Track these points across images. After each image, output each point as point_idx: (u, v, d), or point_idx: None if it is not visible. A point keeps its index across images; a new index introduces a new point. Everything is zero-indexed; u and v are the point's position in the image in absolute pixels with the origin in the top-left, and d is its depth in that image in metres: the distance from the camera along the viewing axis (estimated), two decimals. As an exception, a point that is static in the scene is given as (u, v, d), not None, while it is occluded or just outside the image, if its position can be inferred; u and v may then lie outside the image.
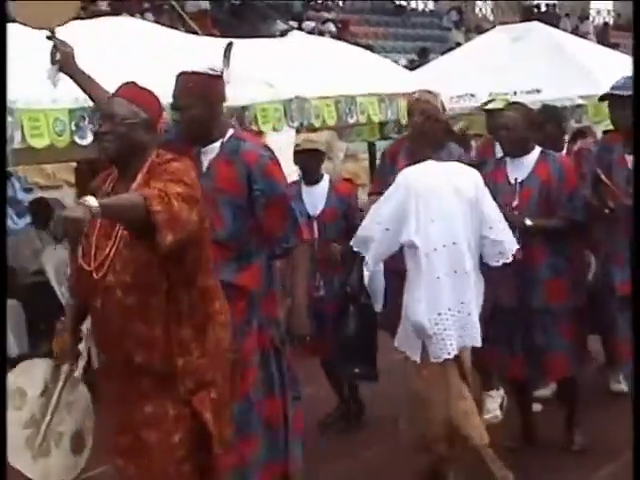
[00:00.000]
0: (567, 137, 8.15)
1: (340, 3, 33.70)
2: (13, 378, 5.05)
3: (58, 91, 8.05)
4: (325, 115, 10.66)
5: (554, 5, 40.65)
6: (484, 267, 6.72)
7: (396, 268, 7.00)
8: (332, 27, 26.92)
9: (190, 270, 4.51)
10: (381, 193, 7.42)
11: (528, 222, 6.75)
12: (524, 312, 6.88)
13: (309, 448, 6.58)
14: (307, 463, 6.35)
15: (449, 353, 6.22)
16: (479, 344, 6.44)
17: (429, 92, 7.84)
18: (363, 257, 7.46)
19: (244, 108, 9.70)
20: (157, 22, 14.95)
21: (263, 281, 5.65)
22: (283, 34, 19.88)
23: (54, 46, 5.68)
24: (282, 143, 10.70)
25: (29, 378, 5.02)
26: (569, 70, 11.82)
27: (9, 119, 7.93)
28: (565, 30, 18.34)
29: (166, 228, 4.09)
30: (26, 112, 8.04)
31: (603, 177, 6.75)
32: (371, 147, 13.57)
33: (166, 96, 8.92)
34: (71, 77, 5.78)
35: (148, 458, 4.57)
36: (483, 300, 6.70)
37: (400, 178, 6.58)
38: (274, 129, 10.07)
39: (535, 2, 40.62)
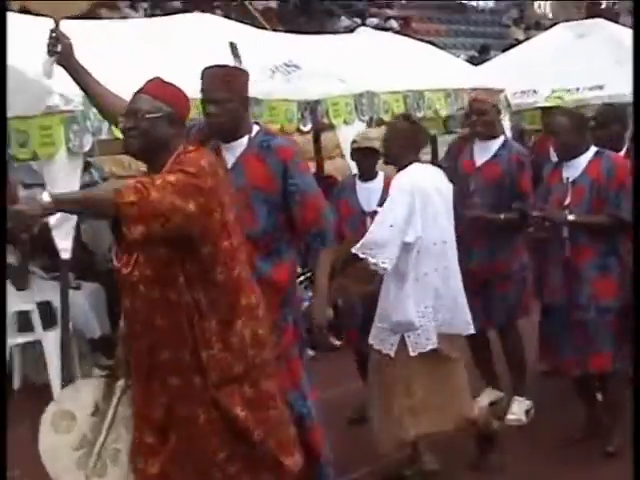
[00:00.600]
0: (629, 134, 8.08)
1: (402, 1, 33.88)
2: (59, 403, 5.08)
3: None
4: (394, 109, 10.62)
5: (614, 2, 40.43)
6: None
7: None
8: (394, 24, 27.01)
9: (207, 264, 4.46)
10: None
11: (570, 217, 6.79)
12: (572, 310, 6.90)
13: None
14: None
15: (433, 344, 6.35)
16: (471, 331, 6.72)
17: (488, 90, 8.05)
18: None
19: (317, 102, 9.83)
20: (227, 18, 15.08)
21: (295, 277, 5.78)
22: (348, 30, 20.01)
23: (55, 38, 5.51)
24: (353, 136, 10.99)
25: (77, 400, 4.99)
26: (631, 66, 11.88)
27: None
28: (625, 26, 18.22)
29: (135, 219, 4.06)
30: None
31: None
32: (434, 140, 13.67)
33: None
34: (68, 70, 5.65)
35: (190, 468, 4.62)
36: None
37: (403, 182, 6.59)
38: (345, 122, 10.14)
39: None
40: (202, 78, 5.52)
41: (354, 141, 8.23)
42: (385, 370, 6.50)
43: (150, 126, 4.45)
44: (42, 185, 13.89)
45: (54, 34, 5.48)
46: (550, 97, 10.72)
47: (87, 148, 8.05)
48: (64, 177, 7.87)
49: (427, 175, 6.68)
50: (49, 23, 5.55)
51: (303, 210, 5.56)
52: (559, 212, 6.87)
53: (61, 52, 5.49)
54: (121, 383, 4.89)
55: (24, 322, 9.43)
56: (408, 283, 6.39)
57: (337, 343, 8.52)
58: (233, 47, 5.80)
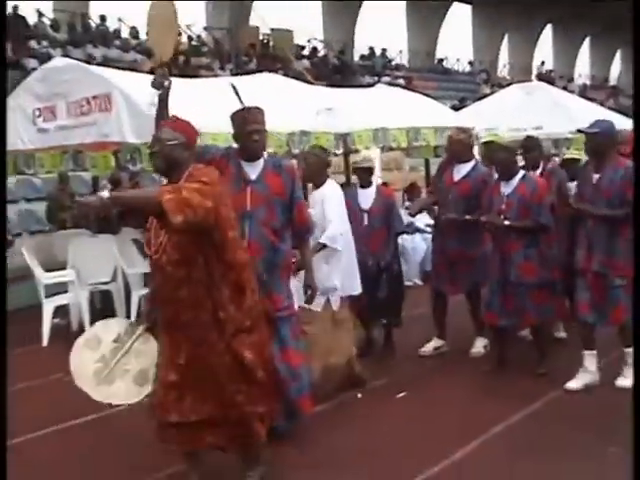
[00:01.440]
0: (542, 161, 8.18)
1: (407, 64, 33.89)
2: (92, 330, 5.11)
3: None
4: (400, 140, 10.65)
5: (551, 70, 40.32)
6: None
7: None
8: (401, 81, 26.98)
9: (219, 247, 4.45)
10: (433, 192, 8.20)
11: (506, 222, 6.96)
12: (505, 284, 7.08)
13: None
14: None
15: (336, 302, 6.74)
16: (359, 291, 7.16)
17: (462, 129, 8.15)
18: (396, 240, 8.15)
19: (347, 134, 9.81)
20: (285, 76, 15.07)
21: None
22: (369, 85, 20.01)
23: (162, 76, 5.52)
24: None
25: (106, 329, 4.99)
26: (561, 114, 11.87)
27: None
28: (558, 87, 18.35)
29: (175, 211, 4.04)
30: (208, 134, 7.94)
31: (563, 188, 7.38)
32: (427, 163, 13.71)
33: (300, 125, 9.23)
34: (160, 102, 5.55)
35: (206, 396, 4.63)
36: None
37: (334, 193, 6.90)
38: (366, 148, 10.14)
39: (538, 68, 40.33)
40: (247, 116, 5.51)
41: (355, 162, 8.36)
42: (311, 322, 6.48)
43: (170, 150, 4.49)
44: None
45: (162, 73, 5.54)
46: (488, 134, 10.75)
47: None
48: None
49: (337, 186, 7.08)
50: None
51: (299, 213, 5.68)
52: (499, 219, 7.00)
53: (165, 88, 5.49)
54: (142, 327, 4.94)
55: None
56: (334, 260, 6.63)
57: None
58: (234, 88, 5.73)
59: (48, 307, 9.32)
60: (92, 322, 9.00)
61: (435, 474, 5.19)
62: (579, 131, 6.86)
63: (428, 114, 11.46)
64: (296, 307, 5.92)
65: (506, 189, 7.11)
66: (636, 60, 6.70)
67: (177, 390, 4.62)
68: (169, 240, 4.47)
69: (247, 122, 5.49)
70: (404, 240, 11.68)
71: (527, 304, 7.03)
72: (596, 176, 6.51)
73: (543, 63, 41.16)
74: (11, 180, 13.07)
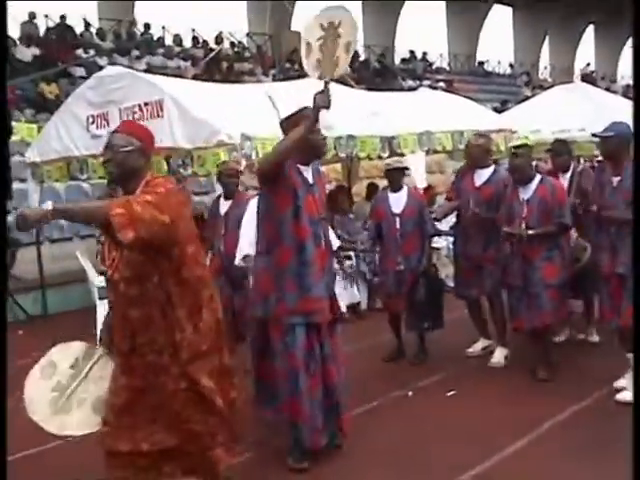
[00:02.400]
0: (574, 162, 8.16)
1: (447, 68, 33.88)
2: (50, 355, 4.68)
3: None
4: (444, 143, 10.72)
5: (593, 71, 40.00)
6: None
7: None
8: (442, 84, 27.01)
9: (176, 264, 4.10)
10: (451, 199, 8.05)
11: (530, 232, 6.90)
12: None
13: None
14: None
15: None
16: None
17: (481, 135, 8.14)
18: (429, 244, 8.00)
19: (393, 137, 9.92)
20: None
21: None
22: (412, 89, 20.10)
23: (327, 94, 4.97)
24: (416, 161, 11.14)
25: (63, 354, 4.65)
26: (605, 115, 11.74)
27: (247, 143, 8.18)
28: (601, 88, 18.20)
29: (125, 226, 3.72)
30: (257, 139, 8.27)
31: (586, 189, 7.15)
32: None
33: (347, 130, 9.31)
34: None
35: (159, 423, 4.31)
36: None
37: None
38: (412, 152, 10.24)
39: (581, 69, 40.06)
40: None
41: (388, 164, 8.15)
42: None
43: (124, 158, 4.12)
44: (207, 193, 14.32)
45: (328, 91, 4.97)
46: (518, 138, 10.62)
47: (242, 168, 8.00)
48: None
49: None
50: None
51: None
52: (522, 229, 6.92)
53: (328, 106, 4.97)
54: (100, 351, 4.63)
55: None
56: None
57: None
58: (271, 99, 5.65)
59: (101, 308, 9.42)
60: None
61: (488, 468, 5.31)
62: (594, 135, 6.74)
63: (471, 117, 11.50)
64: None
65: (525, 194, 7.05)
66: (636, 59, 6.58)
67: (129, 417, 4.31)
68: (122, 256, 4.15)
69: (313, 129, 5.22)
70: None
71: (545, 304, 6.97)
72: (616, 179, 6.37)
73: (589, 64, 40.80)
74: (61, 186, 13.36)
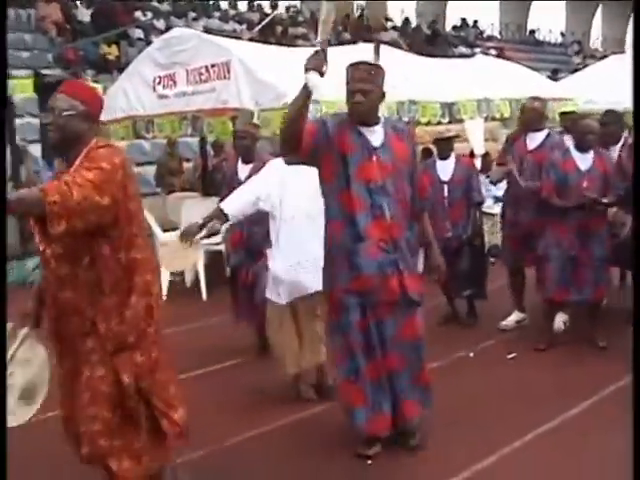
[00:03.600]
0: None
1: (498, 36, 33.55)
2: None
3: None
4: (502, 111, 10.65)
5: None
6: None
7: None
8: (493, 52, 26.73)
9: (112, 246, 3.69)
10: (501, 164, 7.73)
11: (604, 200, 6.57)
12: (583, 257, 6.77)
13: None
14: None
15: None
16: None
17: (536, 98, 7.72)
18: (476, 212, 7.86)
19: (453, 104, 9.91)
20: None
21: None
22: (467, 56, 20.00)
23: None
24: (475, 128, 11.09)
25: None
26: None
27: (313, 106, 8.22)
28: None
29: (58, 217, 3.37)
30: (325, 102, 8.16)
31: None
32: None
33: (408, 95, 9.27)
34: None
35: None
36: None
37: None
38: (470, 118, 10.23)
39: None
40: (353, 73, 4.65)
41: (439, 133, 8.16)
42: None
43: (65, 122, 3.71)
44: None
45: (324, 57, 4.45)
46: (567, 105, 10.49)
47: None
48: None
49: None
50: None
51: (420, 180, 5.10)
52: (596, 197, 6.59)
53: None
54: (24, 331, 4.01)
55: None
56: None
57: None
58: (377, 46, 5.33)
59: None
60: (207, 280, 9.54)
61: (551, 429, 5.34)
62: None
63: (528, 85, 11.31)
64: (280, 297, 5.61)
65: (583, 164, 6.78)
66: (636, 59, 6.49)
67: (61, 405, 3.96)
68: None
69: (352, 80, 4.67)
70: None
71: (601, 278, 6.82)
72: None
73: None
74: (122, 144, 13.49)
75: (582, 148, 6.82)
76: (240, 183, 6.35)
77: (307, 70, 4.26)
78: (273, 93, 8.24)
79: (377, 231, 4.68)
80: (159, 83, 9.66)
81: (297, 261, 5.58)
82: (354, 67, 4.68)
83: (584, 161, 6.78)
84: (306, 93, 4.30)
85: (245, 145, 6.86)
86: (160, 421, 3.90)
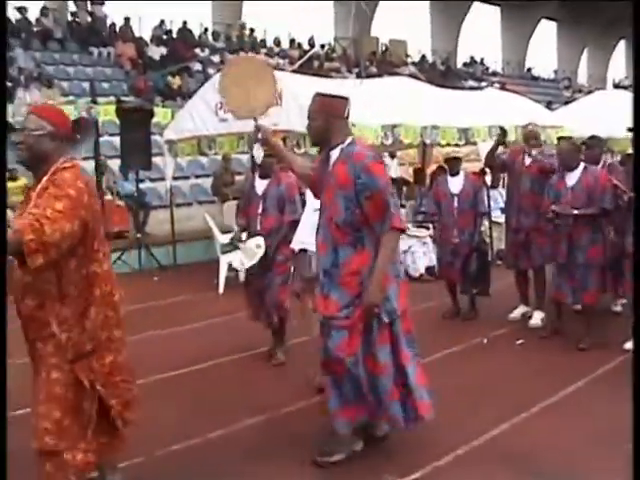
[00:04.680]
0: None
1: (501, 72, 33.47)
2: None
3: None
4: (510, 134, 10.58)
5: (626, 77, 39.07)
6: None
7: None
8: (497, 85, 26.60)
9: (78, 261, 3.45)
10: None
11: (575, 211, 6.53)
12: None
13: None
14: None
15: None
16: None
17: (534, 124, 7.81)
18: (482, 221, 7.91)
19: (468, 129, 9.95)
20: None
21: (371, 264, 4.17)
22: (476, 88, 19.97)
23: (257, 130, 4.64)
24: (487, 149, 11.03)
25: None
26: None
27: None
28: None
29: (35, 253, 3.18)
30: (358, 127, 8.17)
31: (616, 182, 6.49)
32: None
33: (431, 121, 9.27)
34: (271, 150, 4.84)
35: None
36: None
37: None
38: (483, 141, 10.21)
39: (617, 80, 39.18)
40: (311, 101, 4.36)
41: (447, 154, 8.21)
42: None
43: (34, 141, 3.50)
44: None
45: (257, 128, 4.66)
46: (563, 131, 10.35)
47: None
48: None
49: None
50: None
51: (368, 204, 4.16)
52: (568, 208, 6.54)
53: (262, 139, 4.61)
54: None
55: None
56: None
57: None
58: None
59: (223, 262, 9.68)
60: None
61: (555, 401, 5.39)
62: (628, 129, 6.40)
63: (531, 114, 11.22)
64: None
65: (570, 181, 6.67)
66: (636, 61, 6.14)
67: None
68: None
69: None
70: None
71: (589, 283, 6.64)
72: None
73: (627, 77, 39.74)
74: (183, 160, 13.69)
75: (567, 168, 6.75)
76: (256, 197, 6.43)
77: (256, 141, 4.11)
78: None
79: (320, 250, 4.34)
80: (220, 108, 9.76)
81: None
82: (313, 97, 4.37)
83: (571, 178, 6.70)
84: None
85: (269, 161, 6.39)
86: (115, 421, 3.68)
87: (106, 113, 13.40)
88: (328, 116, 4.23)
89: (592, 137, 7.91)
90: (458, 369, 6.15)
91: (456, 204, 7.78)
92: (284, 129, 8.68)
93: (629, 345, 6.34)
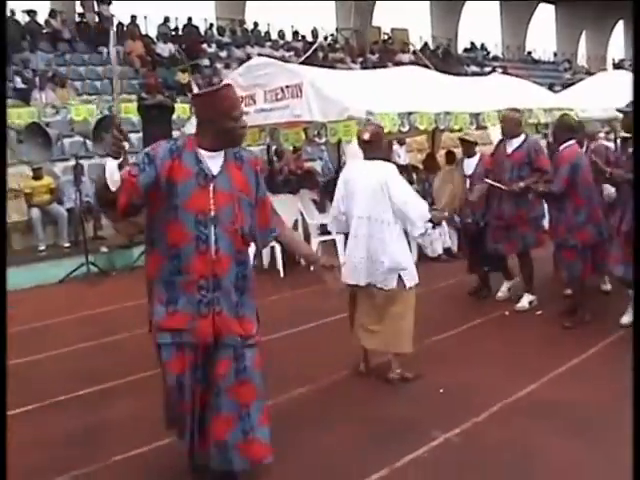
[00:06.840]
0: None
1: (501, 56, 33.73)
2: None
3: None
4: (519, 118, 10.87)
5: (623, 59, 39.25)
6: None
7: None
8: (499, 70, 26.89)
9: None
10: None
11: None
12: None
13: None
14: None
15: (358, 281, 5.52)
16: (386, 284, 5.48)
17: (514, 109, 7.87)
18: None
19: (479, 114, 10.15)
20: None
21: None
22: (479, 74, 20.21)
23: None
24: (498, 133, 11.33)
25: None
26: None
27: (371, 117, 8.26)
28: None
29: None
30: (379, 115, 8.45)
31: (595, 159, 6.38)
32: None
33: (444, 107, 9.61)
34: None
35: None
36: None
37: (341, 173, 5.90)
38: (493, 125, 10.27)
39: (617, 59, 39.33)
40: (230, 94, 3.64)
41: (464, 135, 8.48)
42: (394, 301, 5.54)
43: None
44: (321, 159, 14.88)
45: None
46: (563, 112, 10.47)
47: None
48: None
49: (359, 168, 5.71)
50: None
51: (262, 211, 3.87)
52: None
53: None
54: None
55: (324, 230, 9.66)
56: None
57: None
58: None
59: (315, 242, 10.07)
60: (283, 261, 9.91)
61: (566, 369, 5.77)
62: (618, 110, 6.41)
63: (535, 97, 11.66)
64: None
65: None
66: (636, 59, 6.28)
67: None
68: None
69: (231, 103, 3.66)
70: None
71: (586, 223, 6.81)
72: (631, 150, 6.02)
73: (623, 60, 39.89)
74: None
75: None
76: None
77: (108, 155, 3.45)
78: (338, 107, 8.64)
79: (199, 267, 3.61)
80: (241, 101, 10.04)
81: (353, 255, 5.52)
82: (228, 88, 3.74)
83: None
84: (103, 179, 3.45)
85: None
86: None
87: (127, 111, 13.65)
88: (213, 117, 3.63)
89: (563, 116, 7.81)
90: (484, 336, 6.54)
91: (468, 185, 7.80)
92: (306, 120, 9.01)
93: (625, 319, 6.61)
